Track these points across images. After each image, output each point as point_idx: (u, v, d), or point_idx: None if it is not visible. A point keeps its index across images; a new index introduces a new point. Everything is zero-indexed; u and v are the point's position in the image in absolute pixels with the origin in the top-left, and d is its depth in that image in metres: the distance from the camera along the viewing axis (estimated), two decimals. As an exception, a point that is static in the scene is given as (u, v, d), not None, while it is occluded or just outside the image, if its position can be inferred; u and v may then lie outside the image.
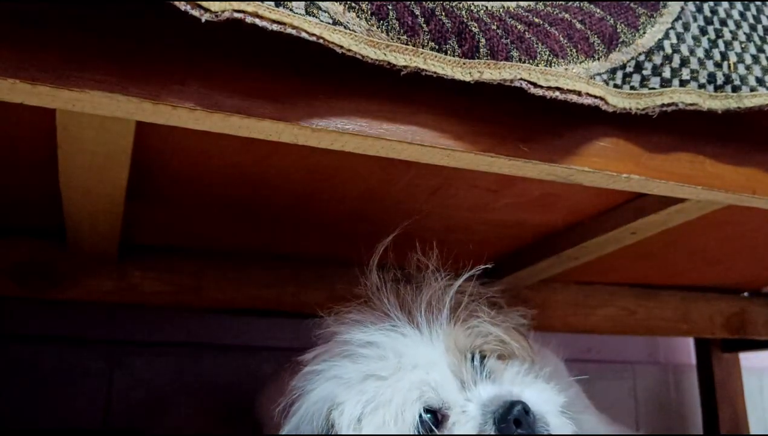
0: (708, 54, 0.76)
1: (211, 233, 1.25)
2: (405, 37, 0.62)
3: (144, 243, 1.29)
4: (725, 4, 0.80)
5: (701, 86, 0.75)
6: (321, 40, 0.58)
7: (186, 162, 0.92)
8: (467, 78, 0.64)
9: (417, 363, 0.83)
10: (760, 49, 0.78)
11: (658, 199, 0.96)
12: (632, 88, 0.74)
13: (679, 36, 0.76)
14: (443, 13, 0.64)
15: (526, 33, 0.67)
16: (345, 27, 0.60)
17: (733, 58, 0.76)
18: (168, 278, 1.32)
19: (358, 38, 0.60)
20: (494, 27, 0.66)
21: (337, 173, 0.96)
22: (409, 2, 0.63)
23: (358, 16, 0.61)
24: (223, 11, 0.54)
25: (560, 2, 0.73)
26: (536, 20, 0.69)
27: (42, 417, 1.58)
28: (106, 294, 1.28)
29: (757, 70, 0.76)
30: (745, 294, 1.76)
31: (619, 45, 0.74)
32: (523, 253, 1.33)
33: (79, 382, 1.62)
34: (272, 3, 0.56)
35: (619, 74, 0.74)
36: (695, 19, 0.77)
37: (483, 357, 0.88)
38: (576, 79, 0.69)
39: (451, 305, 0.88)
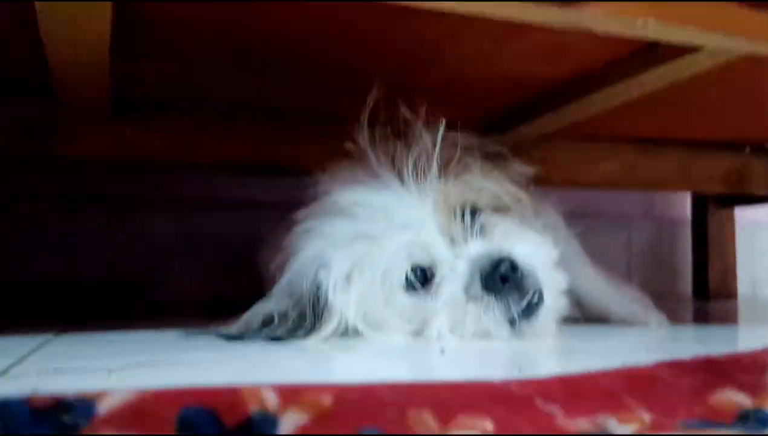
0: None
1: (206, 87, 1.20)
2: None
3: (138, 99, 1.25)
4: None
5: None
6: None
7: (173, 11, 0.86)
8: None
9: (406, 222, 0.83)
10: None
11: (671, 49, 0.92)
12: None
13: None
14: None
15: None
16: None
17: None
18: (162, 135, 1.29)
19: None
20: None
21: (336, 22, 0.91)
22: None
23: None
24: None
25: None
26: None
27: (48, 272, 1.61)
28: (100, 151, 1.26)
29: None
30: (747, 150, 1.74)
31: None
32: (526, 107, 1.29)
33: (81, 238, 1.64)
34: None
35: None
36: None
37: (476, 212, 0.87)
38: None
39: (443, 159, 0.87)
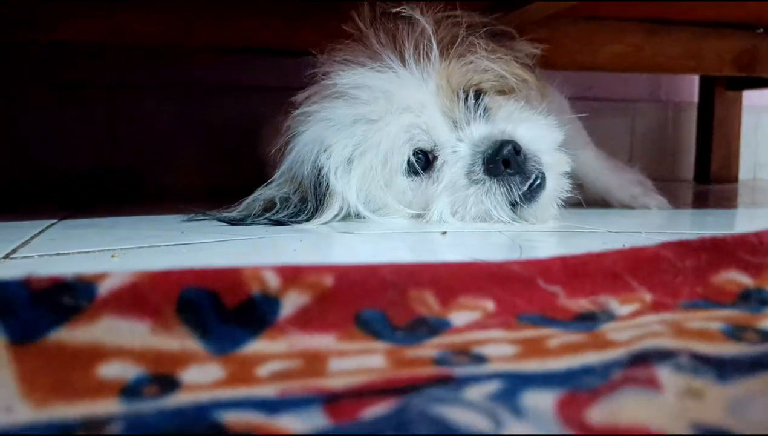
0: None
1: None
2: None
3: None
4: None
5: None
6: None
7: None
8: None
9: (407, 105, 0.81)
10: None
11: None
12: None
13: None
14: None
15: None
16: None
17: None
18: (157, 18, 1.24)
19: None
20: None
21: None
22: None
23: None
24: None
25: None
26: None
27: (49, 160, 1.60)
28: (96, 35, 1.22)
29: None
30: (760, 30, 1.67)
31: None
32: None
33: (81, 126, 1.62)
34: None
35: None
36: None
37: (479, 94, 0.85)
38: None
39: (446, 40, 0.83)
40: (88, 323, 0.27)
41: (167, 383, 0.26)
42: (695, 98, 2.03)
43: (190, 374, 0.27)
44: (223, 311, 0.29)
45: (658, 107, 2.14)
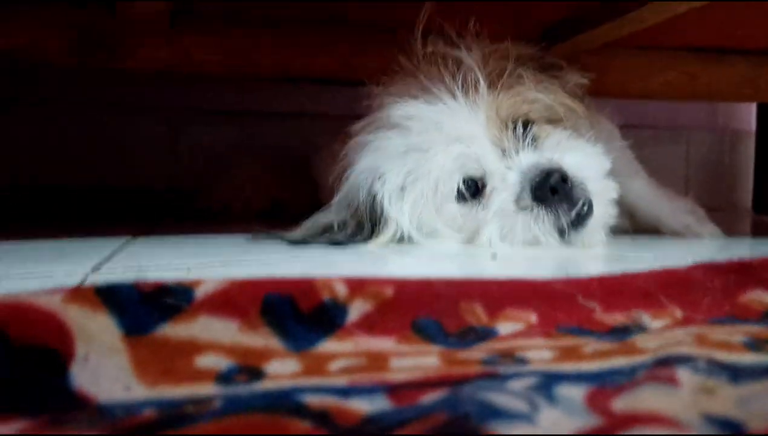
0: None
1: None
2: None
3: (197, 11, 1.27)
4: None
5: None
6: None
7: None
8: None
9: (458, 135, 0.85)
10: None
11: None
12: None
13: None
14: None
15: None
16: None
17: None
18: (222, 47, 1.32)
19: None
20: None
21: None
22: None
23: None
24: None
25: None
26: None
27: (113, 179, 1.69)
28: (161, 62, 1.29)
29: None
30: (820, 58, 1.66)
31: None
32: (585, 15, 1.26)
33: (144, 147, 1.71)
34: None
35: None
36: None
37: (528, 124, 0.88)
38: None
39: (495, 71, 0.87)
40: (188, 321, 0.32)
41: (254, 373, 0.30)
42: (753, 126, 2.00)
43: (273, 367, 0.31)
44: (299, 314, 0.34)
45: (714, 135, 2.12)
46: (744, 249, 0.98)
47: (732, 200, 2.12)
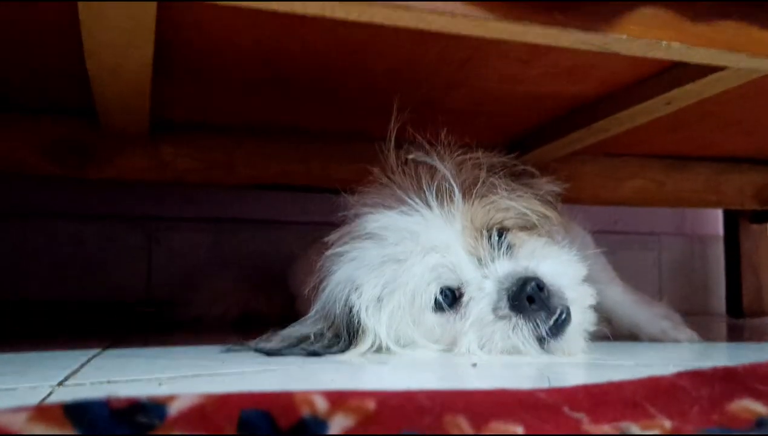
0: None
1: (240, 109, 1.25)
2: None
3: (175, 120, 1.30)
4: None
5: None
6: None
7: (209, 38, 0.90)
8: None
9: (433, 245, 0.85)
10: None
11: (696, 68, 0.93)
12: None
13: None
14: None
15: None
16: None
17: None
18: (199, 155, 1.34)
19: None
20: None
21: (364, 47, 0.94)
22: None
23: None
24: None
25: None
26: None
27: (88, 290, 1.66)
28: (140, 172, 1.31)
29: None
30: (779, 165, 1.73)
31: None
32: (552, 125, 1.32)
33: (121, 256, 1.69)
34: None
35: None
36: None
37: (503, 232, 0.89)
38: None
39: (468, 180, 0.89)
40: (160, 440, 0.30)
41: (228, 497, 0.28)
42: (720, 231, 2.05)
43: (249, 490, 0.29)
44: (277, 431, 0.32)
45: (684, 240, 2.16)
46: (722, 353, 0.98)
47: (705, 304, 2.14)
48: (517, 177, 0.96)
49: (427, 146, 0.91)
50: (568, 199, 1.07)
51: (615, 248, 1.22)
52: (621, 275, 1.16)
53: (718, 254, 2.09)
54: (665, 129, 1.33)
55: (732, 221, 1.96)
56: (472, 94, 1.15)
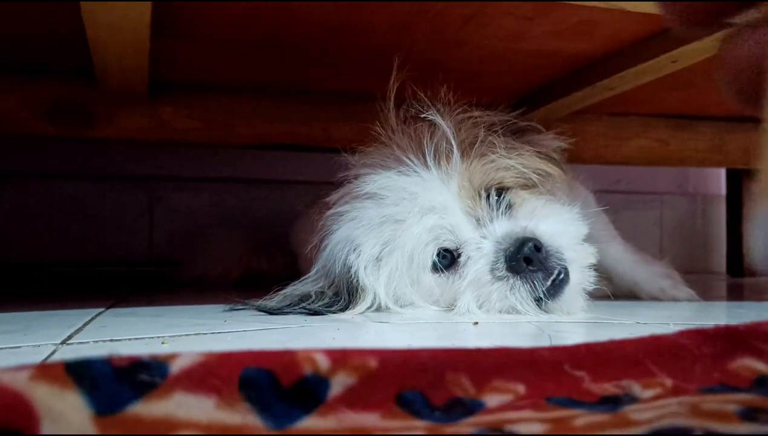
0: None
1: (241, 69, 1.23)
2: None
3: (174, 81, 1.29)
4: None
5: None
6: None
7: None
8: None
9: (431, 206, 0.85)
10: None
11: (704, 25, 0.91)
12: None
13: None
14: None
15: None
16: None
17: None
18: (199, 115, 1.33)
19: None
20: None
21: (365, 4, 0.93)
22: None
23: None
24: None
25: None
26: None
27: (90, 250, 1.67)
28: (139, 132, 1.30)
29: None
30: (784, 124, 1.71)
31: None
32: (557, 84, 1.30)
33: (122, 216, 1.70)
34: None
35: None
36: None
37: (502, 191, 0.88)
38: None
39: (467, 140, 0.88)
40: (162, 397, 0.30)
41: (232, 453, 0.29)
42: (723, 191, 2.05)
43: (252, 446, 0.29)
44: (279, 389, 0.32)
45: (686, 200, 2.16)
46: (721, 312, 0.98)
47: (706, 264, 2.15)
48: (521, 134, 0.95)
49: (428, 104, 0.90)
50: (572, 159, 1.06)
51: (617, 207, 1.22)
52: (623, 235, 1.17)
53: (719, 213, 2.09)
54: (670, 88, 1.32)
55: (735, 180, 1.96)
56: (476, 53, 1.14)
